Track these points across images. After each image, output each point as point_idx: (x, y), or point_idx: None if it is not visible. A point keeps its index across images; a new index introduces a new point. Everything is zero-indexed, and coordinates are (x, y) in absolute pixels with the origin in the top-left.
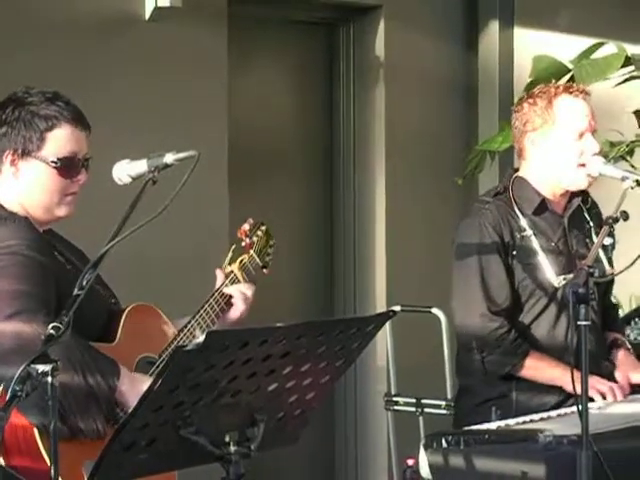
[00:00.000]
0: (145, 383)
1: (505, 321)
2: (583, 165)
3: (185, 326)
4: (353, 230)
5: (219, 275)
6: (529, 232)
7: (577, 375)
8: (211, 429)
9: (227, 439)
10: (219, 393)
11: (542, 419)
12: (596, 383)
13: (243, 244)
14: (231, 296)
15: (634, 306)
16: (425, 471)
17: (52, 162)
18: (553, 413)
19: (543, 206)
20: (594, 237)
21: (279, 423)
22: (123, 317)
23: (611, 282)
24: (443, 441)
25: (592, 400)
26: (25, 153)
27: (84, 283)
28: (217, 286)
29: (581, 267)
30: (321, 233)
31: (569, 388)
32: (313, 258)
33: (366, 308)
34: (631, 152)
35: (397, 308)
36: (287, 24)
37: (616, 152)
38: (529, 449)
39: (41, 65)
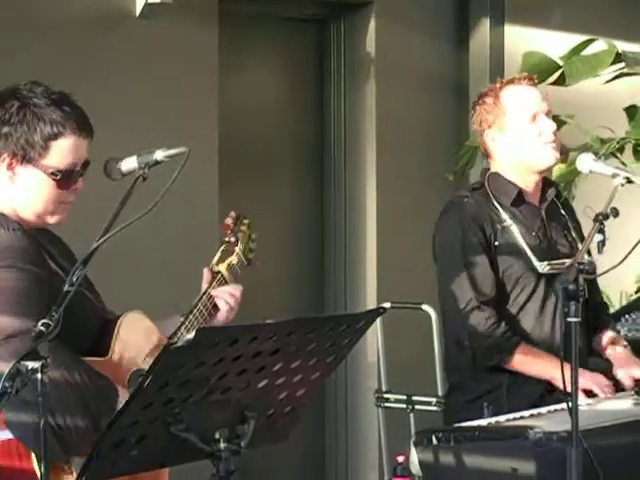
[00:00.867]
0: None
1: (494, 311)
2: (549, 142)
3: (176, 332)
4: (344, 227)
5: (206, 275)
6: (509, 222)
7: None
8: (201, 426)
9: (217, 436)
10: (209, 390)
11: (532, 416)
12: (590, 381)
13: (227, 239)
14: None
15: (624, 302)
16: (415, 468)
17: (52, 174)
18: (543, 410)
19: (521, 197)
20: (571, 229)
21: (269, 420)
22: (116, 329)
23: (593, 282)
24: (433, 438)
25: (593, 394)
26: (25, 159)
27: (74, 280)
28: (204, 286)
29: (571, 263)
30: (312, 230)
31: (558, 384)
32: (304, 255)
33: (357, 305)
34: (621, 149)
35: (387, 305)
36: (278, 21)
37: (606, 149)
38: (519, 446)
39: (31, 61)
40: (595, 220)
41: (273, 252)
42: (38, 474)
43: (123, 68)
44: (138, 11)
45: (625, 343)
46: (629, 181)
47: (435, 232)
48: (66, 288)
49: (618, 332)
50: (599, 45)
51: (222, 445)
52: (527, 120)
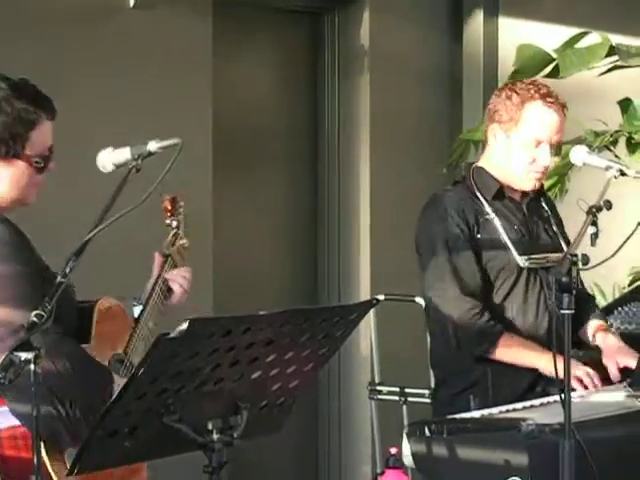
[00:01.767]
0: None
1: (477, 302)
2: (534, 172)
3: (140, 317)
4: (337, 219)
5: (157, 259)
6: (492, 215)
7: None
8: (194, 417)
9: (210, 427)
10: (202, 381)
11: (525, 408)
12: (574, 369)
13: (168, 222)
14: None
15: (617, 295)
16: (408, 459)
17: (36, 162)
18: (536, 402)
19: (501, 193)
20: (553, 224)
21: (262, 411)
22: (95, 316)
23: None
24: (426, 430)
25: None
26: (9, 154)
27: (67, 270)
28: (155, 269)
29: (565, 255)
30: (305, 222)
31: (542, 371)
32: (297, 247)
33: (350, 297)
34: (615, 142)
35: (381, 297)
36: (272, 13)
37: (600, 142)
38: (512, 438)
39: (22, 52)
40: (588, 212)
41: (267, 245)
42: (48, 465)
43: (117, 59)
44: (132, 2)
45: (614, 330)
46: (622, 174)
47: (418, 225)
48: (59, 279)
49: (611, 325)
50: (593, 38)
51: (215, 436)
52: (531, 143)
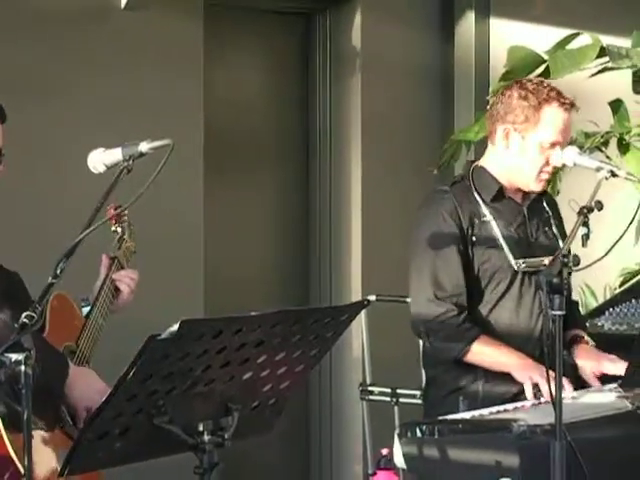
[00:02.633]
0: (90, 376)
1: (452, 306)
2: (541, 173)
3: (90, 313)
4: (329, 219)
5: (105, 261)
6: (489, 217)
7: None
8: (185, 418)
9: (201, 428)
10: (193, 382)
11: (516, 409)
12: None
13: (114, 229)
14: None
15: (608, 296)
16: (399, 460)
17: None
18: (527, 403)
19: (501, 194)
20: (553, 226)
21: (253, 412)
22: (48, 308)
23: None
24: (417, 430)
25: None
26: None
27: (58, 272)
28: (103, 271)
29: (556, 256)
30: (297, 223)
31: (516, 375)
32: (289, 248)
33: (342, 297)
34: (606, 143)
35: (372, 297)
36: (263, 14)
37: (591, 143)
38: (503, 439)
39: (12, 53)
40: (579, 213)
41: (258, 246)
42: (14, 457)
43: (108, 60)
44: (123, 3)
45: (588, 340)
46: (613, 174)
47: (412, 224)
48: (50, 280)
49: (602, 325)
50: (584, 39)
51: (206, 437)
52: (547, 145)
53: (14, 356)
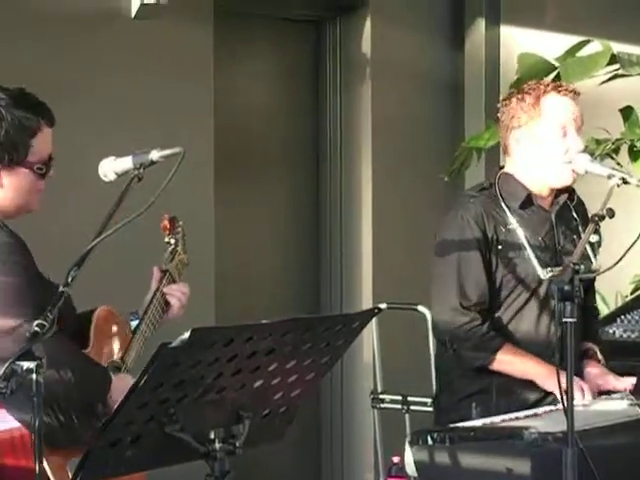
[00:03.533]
0: (128, 380)
1: (477, 315)
2: (568, 162)
3: (137, 328)
4: (339, 227)
5: (156, 273)
6: (515, 225)
7: (561, 373)
8: (196, 426)
9: (212, 436)
10: (204, 390)
11: (527, 416)
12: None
13: (167, 240)
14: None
15: (620, 303)
16: (411, 468)
17: (38, 169)
18: (539, 410)
19: (529, 200)
20: (582, 234)
21: (264, 420)
22: (93, 322)
23: (593, 282)
24: (428, 438)
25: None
26: (12, 162)
27: (69, 280)
28: (154, 284)
29: (567, 264)
30: (307, 230)
31: (541, 383)
32: (299, 256)
33: (352, 305)
34: (617, 150)
35: (383, 305)
36: (273, 21)
37: (602, 150)
38: (514, 446)
39: (24, 61)
40: (591, 221)
41: (269, 253)
42: (49, 472)
43: (118, 69)
44: (134, 12)
45: (599, 357)
46: (625, 182)
47: (437, 229)
48: (61, 289)
49: (613, 333)
50: (594, 46)
51: (217, 445)
52: (558, 133)
53: (26, 364)
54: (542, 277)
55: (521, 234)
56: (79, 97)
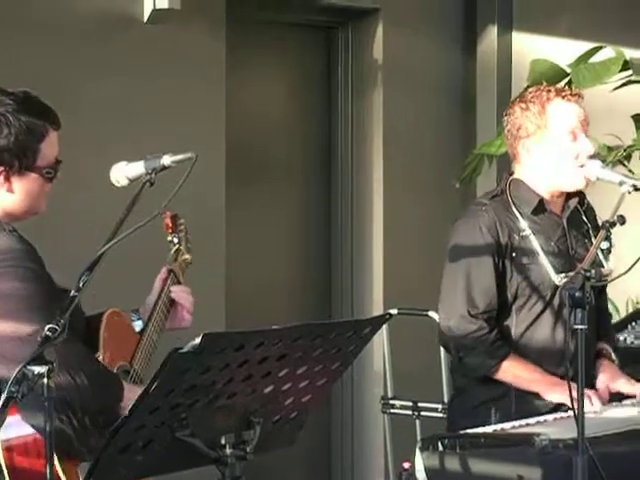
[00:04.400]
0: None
1: (485, 324)
2: (580, 166)
3: (144, 330)
4: (351, 233)
5: (163, 272)
6: (528, 232)
7: (564, 382)
8: (207, 431)
9: (223, 441)
10: (215, 395)
11: (538, 423)
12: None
13: (170, 239)
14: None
15: (631, 310)
16: (421, 474)
17: (47, 173)
18: (549, 417)
19: (541, 206)
20: (593, 239)
21: (275, 425)
22: (102, 326)
23: (604, 287)
24: (439, 444)
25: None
26: (22, 168)
27: (81, 285)
28: (157, 283)
29: (578, 270)
30: (319, 236)
31: (544, 394)
32: (310, 261)
33: (363, 311)
34: (629, 157)
35: (394, 311)
36: (285, 27)
37: (614, 156)
38: (525, 453)
39: (38, 65)
40: (602, 227)
41: (280, 258)
42: (62, 476)
43: (131, 73)
44: (146, 17)
45: (613, 357)
46: (636, 188)
47: (449, 237)
48: (72, 293)
49: (624, 340)
50: (607, 53)
51: (228, 450)
52: (568, 139)
53: (37, 369)
54: (557, 283)
55: (534, 240)
56: (90, 102)
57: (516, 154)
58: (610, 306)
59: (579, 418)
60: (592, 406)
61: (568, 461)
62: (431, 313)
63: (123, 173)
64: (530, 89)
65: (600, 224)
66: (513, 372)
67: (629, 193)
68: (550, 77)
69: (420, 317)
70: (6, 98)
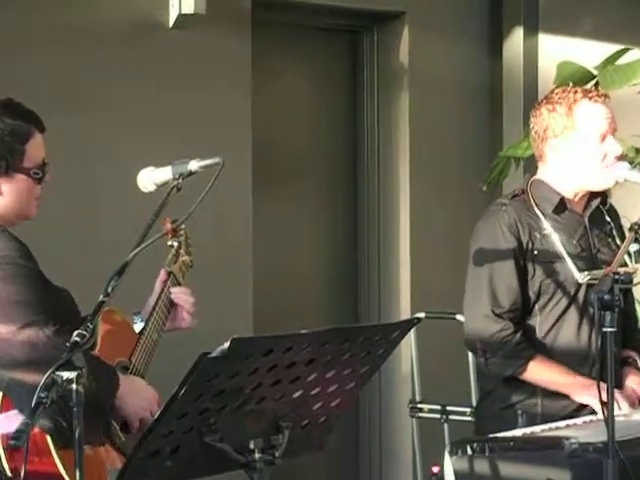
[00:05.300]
0: (139, 384)
1: (510, 323)
2: (606, 167)
3: (144, 329)
4: (377, 237)
5: (162, 274)
6: (550, 230)
7: (593, 383)
8: (235, 436)
9: (252, 446)
10: (244, 400)
11: (567, 426)
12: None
13: (170, 243)
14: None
15: None
16: (450, 478)
17: (34, 173)
18: (579, 420)
19: (563, 205)
20: (616, 238)
21: (304, 430)
22: (99, 324)
23: (629, 290)
24: (468, 448)
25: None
26: (9, 169)
27: (109, 290)
28: (157, 285)
29: (606, 273)
30: (345, 239)
31: (573, 395)
32: (337, 265)
33: (390, 314)
34: None
35: (421, 315)
36: (311, 31)
37: None
38: (554, 456)
39: (64, 71)
40: (630, 229)
41: (307, 262)
42: (64, 474)
43: (156, 79)
44: (172, 22)
45: (639, 366)
46: None
47: (471, 238)
48: (101, 298)
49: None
50: (634, 54)
51: (256, 455)
52: (597, 140)
53: (66, 374)
54: (580, 281)
55: (556, 239)
56: (116, 106)
57: (542, 154)
58: (638, 307)
59: (609, 421)
60: (620, 410)
61: (598, 465)
62: (459, 316)
63: (151, 179)
64: (556, 90)
65: (629, 226)
66: (540, 373)
67: None
68: (577, 80)
69: (448, 320)
70: None
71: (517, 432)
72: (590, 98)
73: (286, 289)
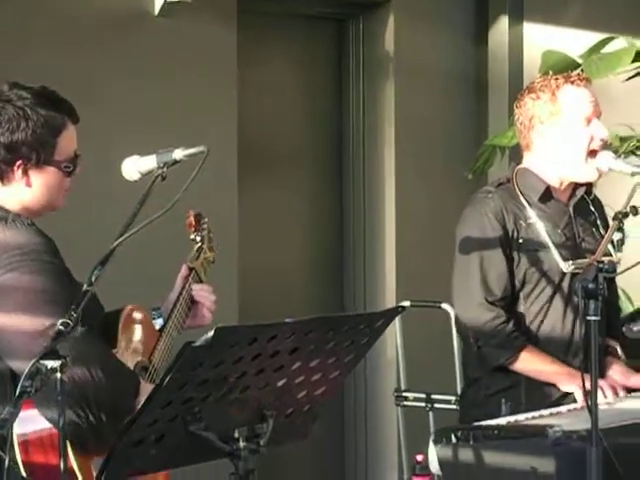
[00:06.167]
0: None
1: (502, 311)
2: (593, 152)
3: (164, 327)
4: (362, 225)
5: (184, 270)
6: (534, 219)
7: (578, 373)
8: (220, 425)
9: (236, 435)
10: (228, 389)
11: (552, 414)
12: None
13: (192, 237)
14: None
15: None
16: (434, 466)
17: (65, 167)
18: (563, 408)
19: (548, 194)
20: (601, 228)
21: (288, 419)
22: (121, 321)
23: (613, 279)
24: (452, 436)
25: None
26: (40, 162)
27: (93, 279)
28: (179, 281)
29: (590, 262)
30: (330, 228)
31: (560, 385)
32: (322, 253)
33: (375, 303)
34: None
35: (406, 303)
36: (296, 19)
37: (626, 147)
38: (538, 444)
39: (49, 60)
40: (614, 218)
41: (292, 252)
42: (77, 470)
43: (141, 67)
44: (157, 10)
45: (620, 354)
46: None
47: (456, 226)
48: (85, 287)
49: (638, 331)
50: (619, 43)
51: (241, 444)
52: (582, 124)
53: (50, 363)
54: (565, 270)
55: (541, 227)
56: (101, 95)
57: (529, 143)
58: (623, 296)
59: (592, 409)
60: (605, 398)
61: (582, 452)
62: (444, 305)
63: (135, 167)
64: (537, 79)
65: (612, 215)
66: (531, 363)
67: None
68: (562, 68)
69: (433, 309)
70: (24, 92)
71: (501, 420)
72: (572, 82)
73: (272, 278)
